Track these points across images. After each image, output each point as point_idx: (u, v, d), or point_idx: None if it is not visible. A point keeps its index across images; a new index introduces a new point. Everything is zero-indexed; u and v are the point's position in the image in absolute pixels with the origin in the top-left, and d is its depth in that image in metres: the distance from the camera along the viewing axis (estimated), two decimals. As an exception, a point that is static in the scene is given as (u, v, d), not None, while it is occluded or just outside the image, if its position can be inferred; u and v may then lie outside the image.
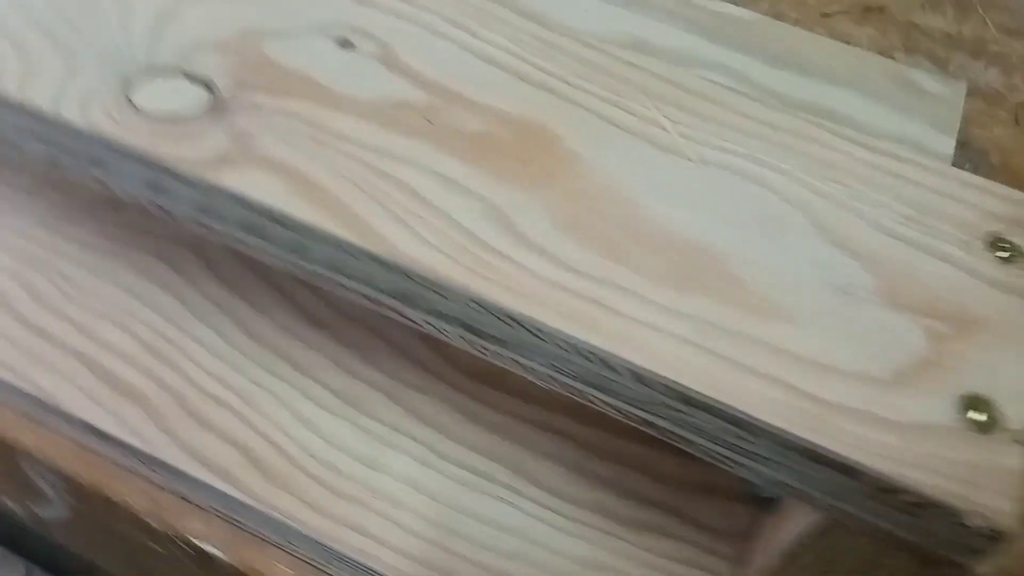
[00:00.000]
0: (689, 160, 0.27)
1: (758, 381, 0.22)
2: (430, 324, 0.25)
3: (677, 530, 0.31)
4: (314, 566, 0.30)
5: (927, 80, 0.47)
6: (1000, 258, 0.26)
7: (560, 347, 0.23)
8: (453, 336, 0.25)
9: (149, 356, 0.32)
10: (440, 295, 0.24)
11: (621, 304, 0.23)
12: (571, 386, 0.24)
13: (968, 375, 0.23)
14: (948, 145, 0.43)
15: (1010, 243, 0.26)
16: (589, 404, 0.24)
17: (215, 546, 0.31)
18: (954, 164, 0.34)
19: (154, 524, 0.32)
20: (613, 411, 0.24)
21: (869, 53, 0.48)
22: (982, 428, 0.22)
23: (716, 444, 0.23)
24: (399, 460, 0.31)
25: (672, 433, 0.24)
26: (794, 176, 0.27)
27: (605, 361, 0.23)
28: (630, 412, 0.24)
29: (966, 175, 0.28)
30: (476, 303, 0.24)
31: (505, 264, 0.24)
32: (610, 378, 0.23)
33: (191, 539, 0.31)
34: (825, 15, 0.53)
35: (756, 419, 0.22)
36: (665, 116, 0.28)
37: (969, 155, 0.47)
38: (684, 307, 0.24)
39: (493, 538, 0.29)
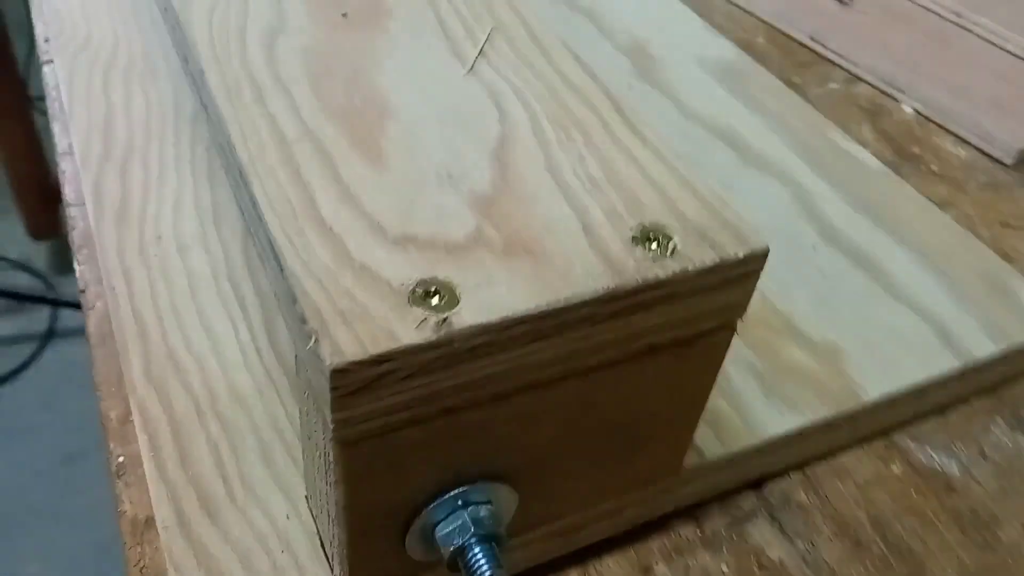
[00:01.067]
0: (462, 65, 0.28)
1: (299, 189, 0.23)
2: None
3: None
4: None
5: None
6: (633, 238, 0.23)
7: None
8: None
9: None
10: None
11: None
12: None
13: (464, 273, 0.21)
14: (983, 347, 0.36)
15: (661, 238, 0.23)
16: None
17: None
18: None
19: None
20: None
21: (983, 246, 0.41)
22: (432, 306, 0.20)
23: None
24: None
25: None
26: (534, 112, 0.27)
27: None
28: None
29: (701, 185, 0.25)
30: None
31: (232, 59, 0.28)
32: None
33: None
34: (1005, 224, 0.46)
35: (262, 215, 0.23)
36: (489, 42, 0.30)
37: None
38: (319, 123, 0.25)
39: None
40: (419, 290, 0.21)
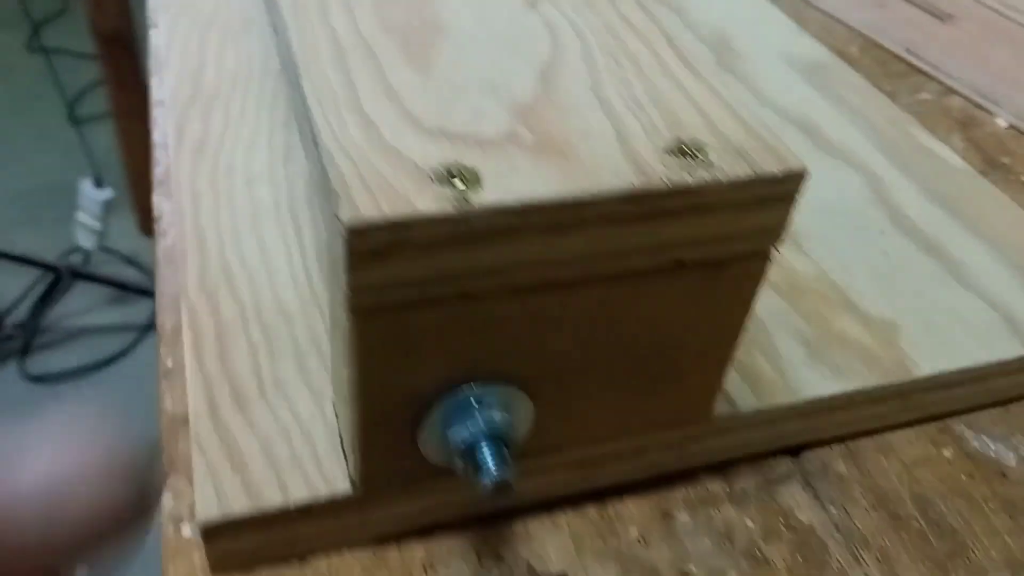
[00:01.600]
0: (523, 1, 0.29)
1: (346, 86, 0.25)
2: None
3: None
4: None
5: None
6: (667, 150, 0.23)
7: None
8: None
9: None
10: None
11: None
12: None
13: (490, 162, 0.22)
14: (1050, 337, 0.34)
15: (697, 151, 0.23)
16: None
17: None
18: None
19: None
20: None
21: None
22: (455, 187, 0.21)
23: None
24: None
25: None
26: (587, 43, 0.27)
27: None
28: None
29: (748, 115, 0.25)
30: None
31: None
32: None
33: None
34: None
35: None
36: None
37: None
38: (374, 37, 0.27)
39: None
40: (443, 171, 0.21)
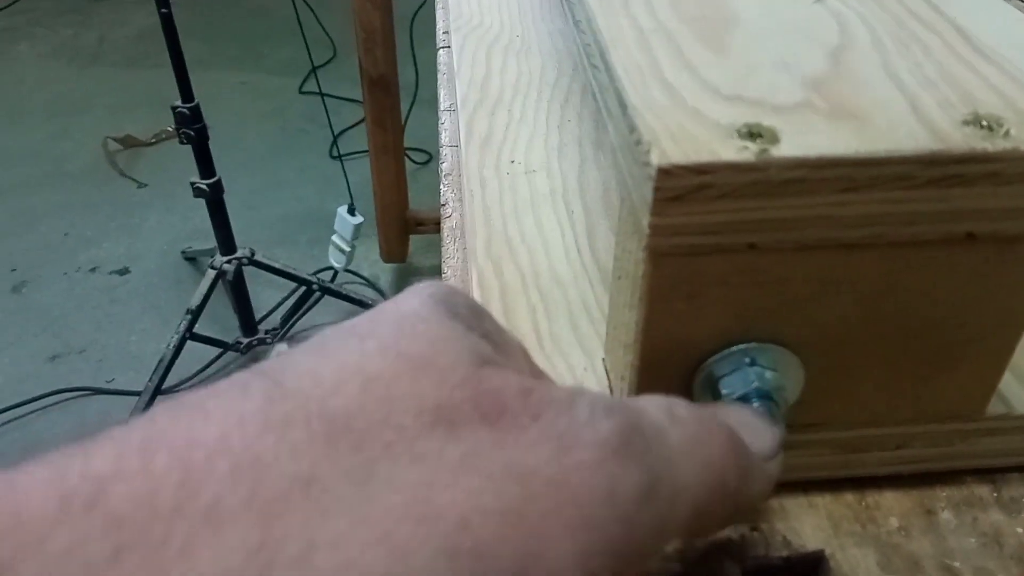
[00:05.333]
0: (810, -3, 0.31)
1: (649, 60, 0.27)
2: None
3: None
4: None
5: None
6: (963, 121, 0.23)
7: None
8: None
9: None
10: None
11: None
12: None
13: (787, 124, 0.23)
14: None
15: (994, 123, 0.23)
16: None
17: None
18: None
19: None
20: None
21: None
22: (754, 141, 0.23)
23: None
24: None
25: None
26: (875, 31, 0.28)
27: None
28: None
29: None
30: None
31: None
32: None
33: None
34: None
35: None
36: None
37: None
38: (672, 23, 0.29)
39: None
40: (743, 129, 0.23)
